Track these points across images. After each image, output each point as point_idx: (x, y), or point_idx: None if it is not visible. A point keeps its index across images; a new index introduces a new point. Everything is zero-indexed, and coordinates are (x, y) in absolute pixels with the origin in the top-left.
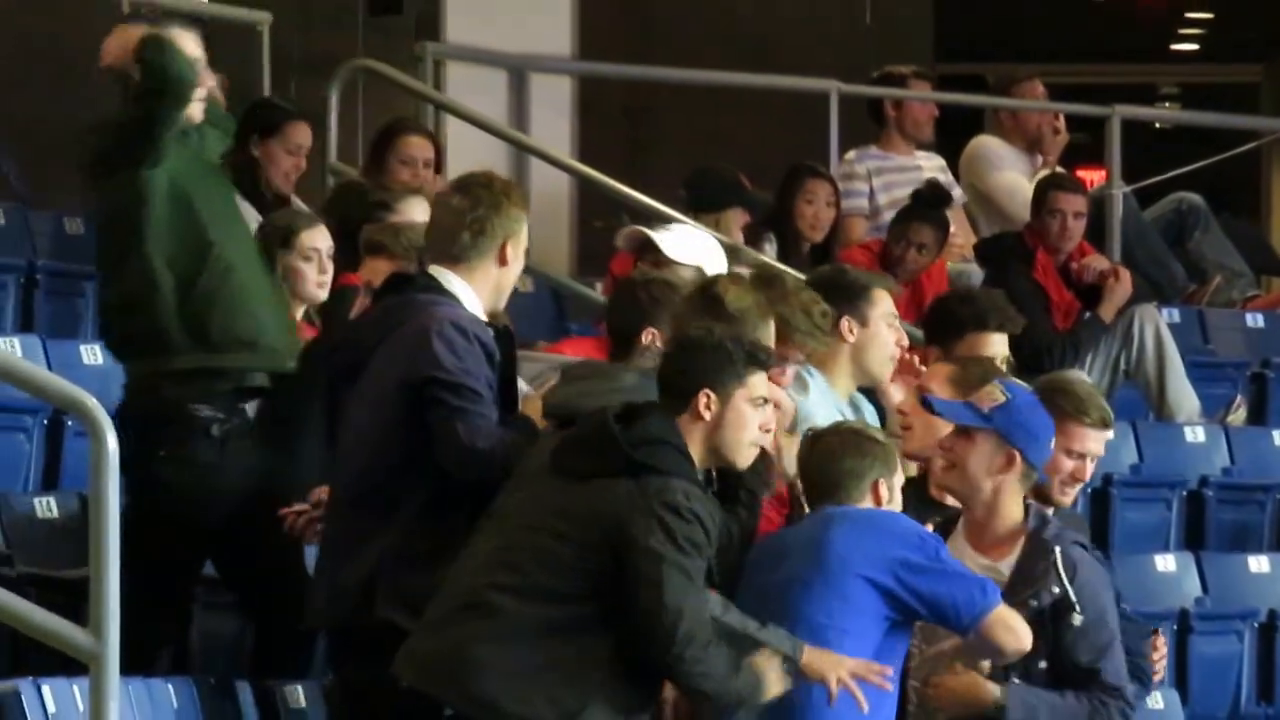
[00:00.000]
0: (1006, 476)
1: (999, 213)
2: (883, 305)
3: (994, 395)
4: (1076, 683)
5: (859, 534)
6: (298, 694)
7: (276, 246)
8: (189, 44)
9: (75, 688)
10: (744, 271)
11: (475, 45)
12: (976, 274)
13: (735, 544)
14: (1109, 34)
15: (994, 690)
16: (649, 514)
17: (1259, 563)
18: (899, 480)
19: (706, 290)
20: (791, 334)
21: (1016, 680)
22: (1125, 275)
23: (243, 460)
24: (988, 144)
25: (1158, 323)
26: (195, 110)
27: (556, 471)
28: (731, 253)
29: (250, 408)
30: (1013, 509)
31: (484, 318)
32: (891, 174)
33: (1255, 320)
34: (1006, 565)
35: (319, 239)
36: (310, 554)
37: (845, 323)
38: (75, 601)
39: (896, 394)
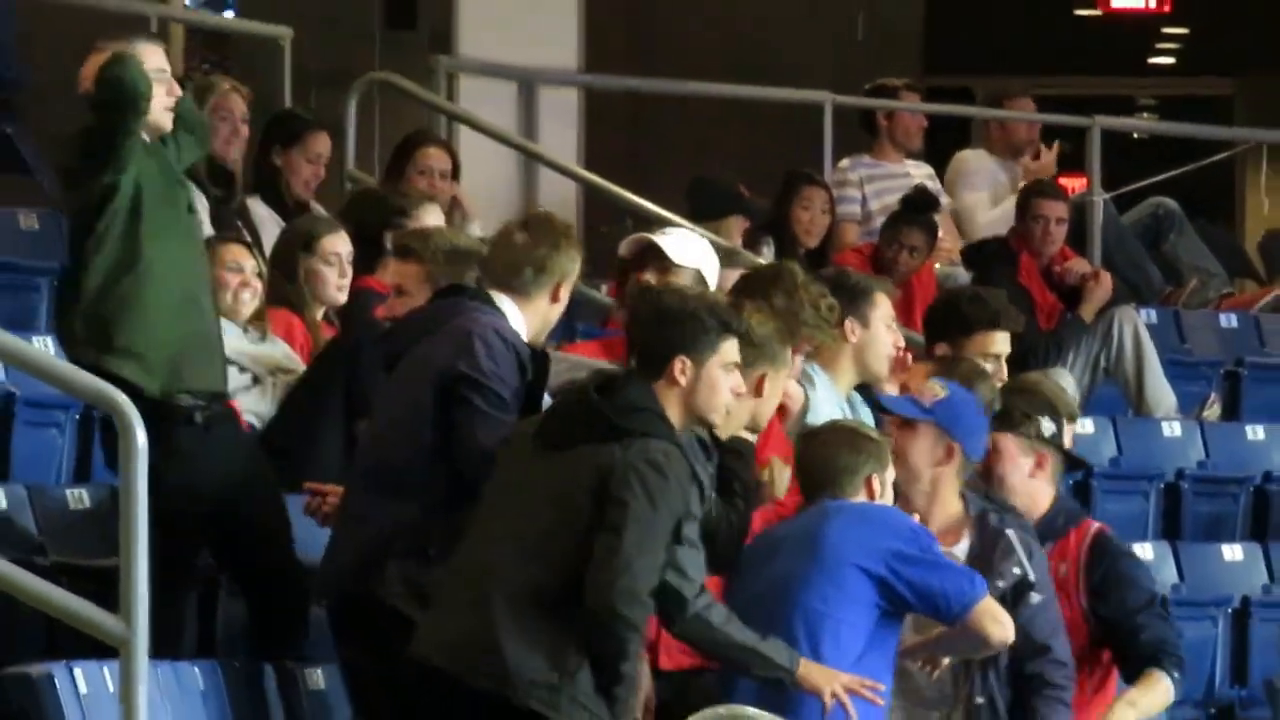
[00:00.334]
0: (946, 468)
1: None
2: (883, 307)
3: (935, 391)
4: (1030, 660)
5: (854, 526)
6: (318, 676)
7: (299, 250)
8: (152, 56)
9: (106, 670)
10: (757, 261)
11: (486, 59)
12: (963, 276)
13: (734, 533)
14: (1089, 48)
15: None
16: (630, 471)
17: (1232, 552)
18: (891, 475)
19: (737, 325)
20: (800, 327)
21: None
22: (1105, 277)
23: (226, 446)
24: (965, 160)
25: (1136, 323)
26: (163, 120)
27: (543, 446)
28: (730, 256)
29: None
30: (952, 499)
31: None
32: (882, 181)
33: (1229, 320)
34: (961, 550)
35: (340, 244)
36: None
37: (848, 323)
38: (105, 589)
39: (891, 392)
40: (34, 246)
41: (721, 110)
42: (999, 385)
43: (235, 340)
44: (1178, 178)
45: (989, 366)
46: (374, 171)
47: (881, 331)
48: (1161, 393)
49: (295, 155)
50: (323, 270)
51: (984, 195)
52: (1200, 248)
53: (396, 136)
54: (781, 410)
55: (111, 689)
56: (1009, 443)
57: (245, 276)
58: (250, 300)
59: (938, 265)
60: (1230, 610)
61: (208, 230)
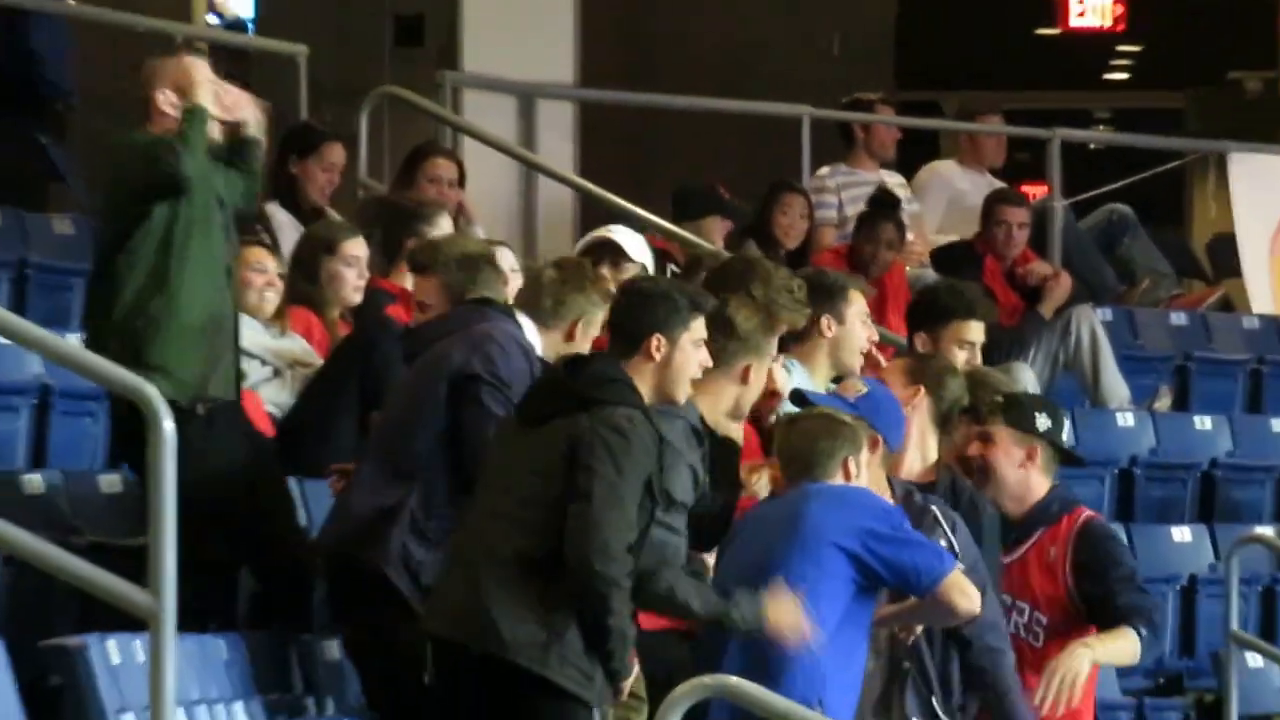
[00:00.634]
0: (872, 457)
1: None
2: (858, 304)
3: (857, 387)
4: (963, 626)
5: (832, 507)
6: (333, 647)
7: (321, 253)
8: (201, 69)
9: (136, 642)
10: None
11: (488, 74)
12: (932, 277)
13: (720, 518)
14: (1049, 65)
15: None
16: (595, 437)
17: (1181, 533)
18: (865, 457)
19: (719, 316)
20: (779, 312)
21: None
22: (1064, 278)
23: (231, 438)
24: (930, 171)
25: (1092, 320)
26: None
27: (523, 423)
28: (714, 256)
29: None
30: (879, 483)
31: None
32: (858, 188)
33: (1178, 318)
34: None
35: (358, 248)
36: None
37: (825, 320)
38: (135, 566)
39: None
40: (68, 249)
41: (709, 122)
42: (976, 376)
43: (258, 335)
44: (1131, 185)
45: (963, 354)
46: (384, 179)
47: (856, 327)
48: (1116, 385)
49: (311, 164)
50: (343, 272)
51: (936, 210)
52: (1152, 250)
53: (405, 147)
54: (775, 396)
55: (141, 659)
56: (1003, 433)
57: (269, 277)
58: (273, 299)
59: (909, 268)
60: (1179, 587)
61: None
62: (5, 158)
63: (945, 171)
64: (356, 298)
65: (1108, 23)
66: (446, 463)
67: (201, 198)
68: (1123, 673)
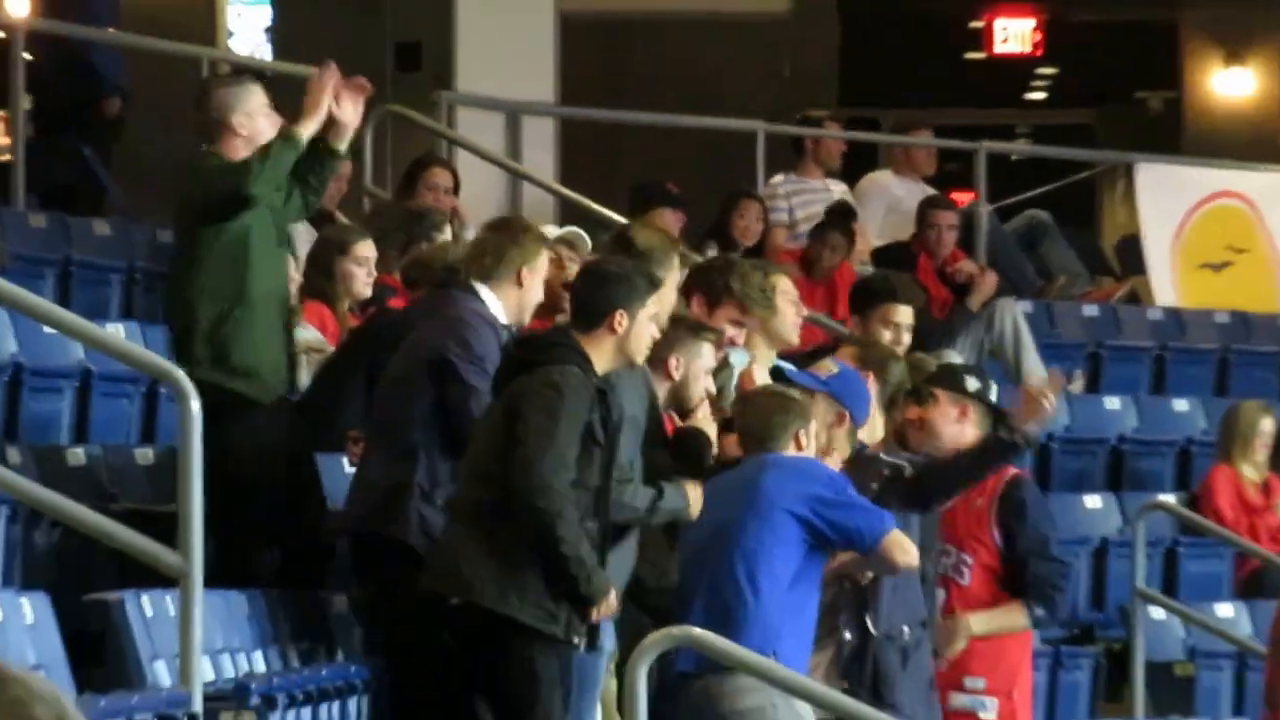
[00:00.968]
0: (839, 430)
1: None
2: (784, 288)
3: (829, 368)
4: None
5: (784, 478)
6: (341, 601)
7: (335, 254)
8: (258, 95)
9: (167, 598)
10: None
11: (479, 94)
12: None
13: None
14: (976, 85)
15: None
16: (530, 391)
17: (1093, 500)
18: (814, 427)
19: (621, 235)
20: (752, 307)
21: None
22: (989, 275)
23: (283, 424)
24: (869, 181)
25: (1014, 312)
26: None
27: (493, 394)
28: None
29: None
30: (844, 449)
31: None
32: (806, 195)
33: (1091, 310)
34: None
35: (368, 249)
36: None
37: None
38: (167, 530)
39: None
40: (107, 249)
41: (674, 136)
42: (913, 361)
43: None
44: (1049, 193)
45: (889, 333)
46: (386, 187)
47: (786, 308)
48: (1035, 369)
49: None
50: (355, 270)
51: (875, 216)
52: (1067, 251)
53: (406, 158)
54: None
55: (172, 613)
56: (940, 395)
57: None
58: (292, 294)
59: (856, 265)
60: (1091, 549)
61: None
62: (56, 170)
63: (883, 180)
64: (366, 292)
65: (1028, 48)
66: (437, 435)
67: (267, 212)
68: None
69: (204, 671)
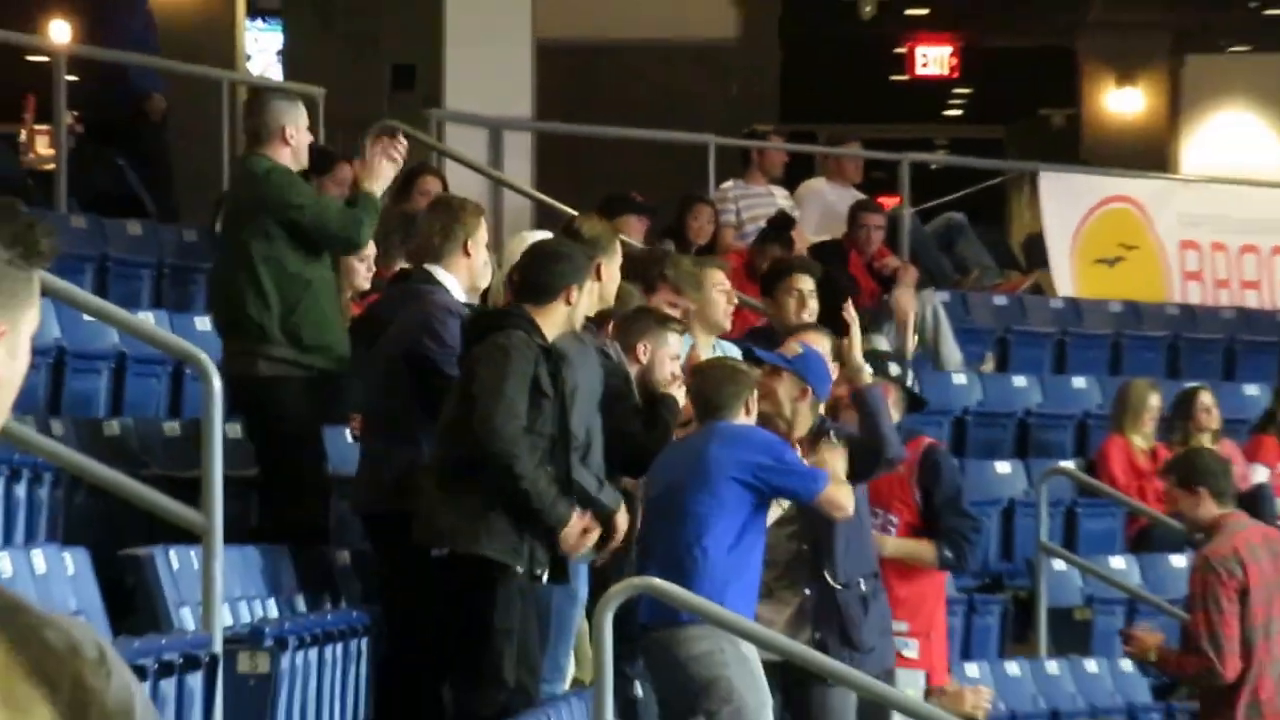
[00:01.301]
0: (802, 403)
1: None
2: (714, 279)
3: (794, 349)
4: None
5: (730, 446)
6: (344, 556)
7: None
8: (302, 114)
9: (191, 553)
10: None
11: (465, 111)
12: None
13: (650, 452)
14: (900, 103)
15: None
16: (484, 355)
17: (1003, 466)
18: (757, 395)
19: (569, 226)
20: (685, 290)
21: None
22: (911, 269)
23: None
24: (806, 188)
25: (934, 302)
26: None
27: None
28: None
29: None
30: (806, 423)
31: (464, 298)
32: (752, 199)
33: (1000, 300)
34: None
35: (368, 248)
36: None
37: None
38: (191, 493)
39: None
40: (139, 247)
41: (638, 147)
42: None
43: None
44: (964, 197)
45: (792, 300)
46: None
47: (718, 297)
48: (952, 352)
49: (326, 181)
50: (356, 265)
51: (812, 217)
52: (980, 248)
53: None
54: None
55: (195, 566)
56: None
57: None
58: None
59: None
60: (1001, 509)
61: None
62: (96, 178)
63: (818, 186)
64: (366, 284)
65: (945, 71)
66: (428, 419)
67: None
68: (958, 577)
69: (223, 617)
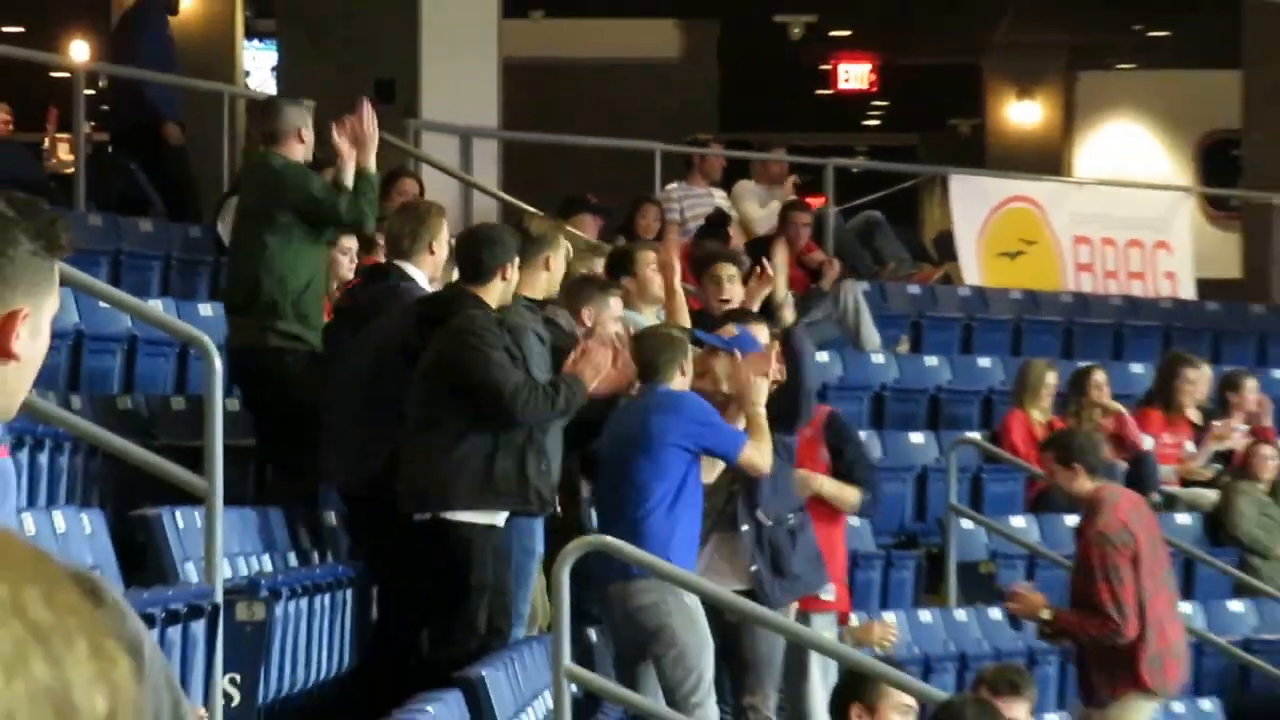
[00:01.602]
0: (761, 381)
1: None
2: (645, 259)
3: (730, 331)
4: None
5: (668, 414)
6: (331, 517)
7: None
8: (307, 116)
9: (195, 513)
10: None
11: (439, 121)
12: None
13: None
14: (824, 114)
15: None
16: (451, 348)
17: (917, 437)
18: (690, 357)
19: (519, 224)
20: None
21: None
22: (835, 262)
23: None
24: (743, 187)
25: (856, 291)
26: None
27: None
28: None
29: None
30: (762, 399)
31: (430, 289)
32: (693, 200)
33: (914, 289)
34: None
35: (351, 242)
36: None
37: (626, 279)
38: (195, 460)
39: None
40: (149, 242)
41: (592, 153)
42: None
43: None
44: (882, 198)
45: (714, 287)
46: None
47: (650, 275)
48: (871, 335)
49: None
50: (339, 258)
51: (755, 209)
52: (896, 243)
53: (382, 171)
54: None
55: (199, 525)
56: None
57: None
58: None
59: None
60: (915, 475)
61: None
62: (112, 182)
63: (751, 187)
64: (349, 275)
65: (865, 86)
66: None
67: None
68: (877, 532)
69: (224, 571)
